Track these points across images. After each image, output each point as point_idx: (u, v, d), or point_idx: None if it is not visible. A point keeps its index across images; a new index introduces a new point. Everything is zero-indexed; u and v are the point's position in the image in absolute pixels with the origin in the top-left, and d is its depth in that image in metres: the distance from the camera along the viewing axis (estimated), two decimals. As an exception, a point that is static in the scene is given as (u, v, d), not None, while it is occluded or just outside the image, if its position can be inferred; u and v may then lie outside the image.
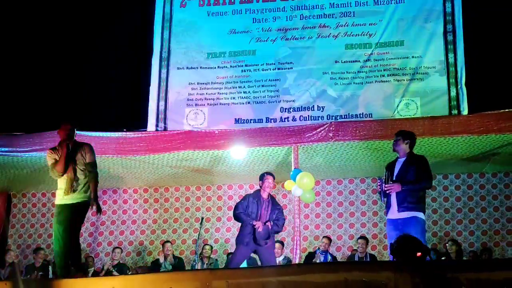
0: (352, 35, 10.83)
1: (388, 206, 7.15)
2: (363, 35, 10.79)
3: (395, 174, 7.14)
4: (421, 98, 10.32)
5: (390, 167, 7.34)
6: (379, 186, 7.27)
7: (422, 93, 10.35)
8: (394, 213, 7.03)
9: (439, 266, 6.03)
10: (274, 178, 8.71)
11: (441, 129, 9.35)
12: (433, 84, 10.37)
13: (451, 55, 10.45)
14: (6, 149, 9.91)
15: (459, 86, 10.27)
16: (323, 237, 10.93)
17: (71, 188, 7.16)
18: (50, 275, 10.51)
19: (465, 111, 10.09)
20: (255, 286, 5.46)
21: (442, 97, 10.28)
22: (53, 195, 12.36)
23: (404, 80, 10.47)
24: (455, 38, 10.49)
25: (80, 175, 7.27)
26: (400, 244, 6.38)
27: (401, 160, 7.22)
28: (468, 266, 5.86)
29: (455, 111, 10.14)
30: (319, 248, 10.46)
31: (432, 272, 5.32)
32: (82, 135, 9.83)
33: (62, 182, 7.24)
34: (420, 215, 6.94)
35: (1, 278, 10.29)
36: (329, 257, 10.22)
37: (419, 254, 5.88)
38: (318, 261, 10.01)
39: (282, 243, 10.62)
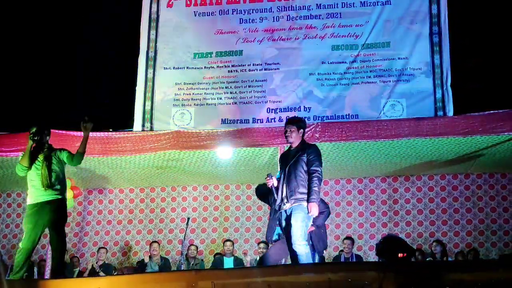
0: (338, 36, 10.83)
1: (276, 200, 6.86)
2: (350, 36, 10.80)
3: (290, 164, 6.84)
4: (407, 99, 10.34)
5: (284, 158, 7.07)
6: (268, 181, 6.92)
7: (408, 94, 10.37)
8: (285, 205, 6.77)
9: (424, 267, 6.07)
10: None
11: (426, 130, 9.40)
12: (419, 85, 10.39)
13: (436, 57, 10.47)
14: (-8, 149, 9.86)
15: (444, 88, 10.30)
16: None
17: (47, 182, 7.23)
18: (35, 276, 10.47)
19: (450, 113, 10.12)
20: (241, 286, 5.47)
21: (427, 98, 10.31)
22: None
23: (390, 82, 10.49)
24: (440, 39, 10.52)
25: (55, 172, 7.33)
26: (385, 244, 6.42)
27: (294, 150, 6.95)
28: (452, 267, 5.91)
29: (440, 113, 10.17)
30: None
31: (416, 273, 5.35)
32: (68, 135, 9.83)
33: (35, 179, 7.29)
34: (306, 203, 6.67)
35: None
36: (317, 257, 10.22)
37: (404, 254, 5.92)
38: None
39: (267, 243, 10.62)
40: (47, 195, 7.25)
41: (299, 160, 6.82)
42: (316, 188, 6.70)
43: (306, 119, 10.21)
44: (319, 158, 6.87)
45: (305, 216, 6.70)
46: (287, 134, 7.03)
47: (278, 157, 9.55)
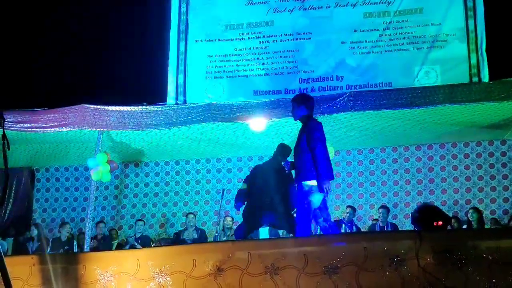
0: (370, 4, 10.72)
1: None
2: (382, 3, 10.68)
3: (295, 144, 6.89)
4: (441, 66, 10.23)
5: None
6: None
7: (442, 60, 10.25)
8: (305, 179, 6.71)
9: (460, 235, 6.05)
10: None
11: (461, 97, 9.27)
12: (453, 51, 10.27)
13: (471, 22, 10.31)
14: (29, 125, 9.98)
15: (479, 53, 10.15)
16: (347, 206, 10.93)
17: None
18: (75, 249, 10.70)
19: (485, 78, 9.98)
20: (277, 256, 5.51)
21: (462, 64, 10.18)
22: (76, 169, 12.62)
23: (423, 48, 10.37)
24: (475, 3, 10.35)
25: None
26: (421, 213, 6.40)
27: (300, 128, 6.96)
28: (488, 234, 5.87)
29: (475, 79, 10.04)
30: (344, 219, 10.46)
31: (452, 241, 5.34)
32: (102, 109, 9.94)
33: None
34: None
35: (29, 252, 10.49)
36: (354, 228, 10.27)
37: (440, 222, 5.90)
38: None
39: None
40: None
41: (300, 138, 6.82)
42: (320, 166, 6.57)
43: (339, 88, 10.29)
44: (315, 132, 6.70)
45: (305, 194, 6.65)
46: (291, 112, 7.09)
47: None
